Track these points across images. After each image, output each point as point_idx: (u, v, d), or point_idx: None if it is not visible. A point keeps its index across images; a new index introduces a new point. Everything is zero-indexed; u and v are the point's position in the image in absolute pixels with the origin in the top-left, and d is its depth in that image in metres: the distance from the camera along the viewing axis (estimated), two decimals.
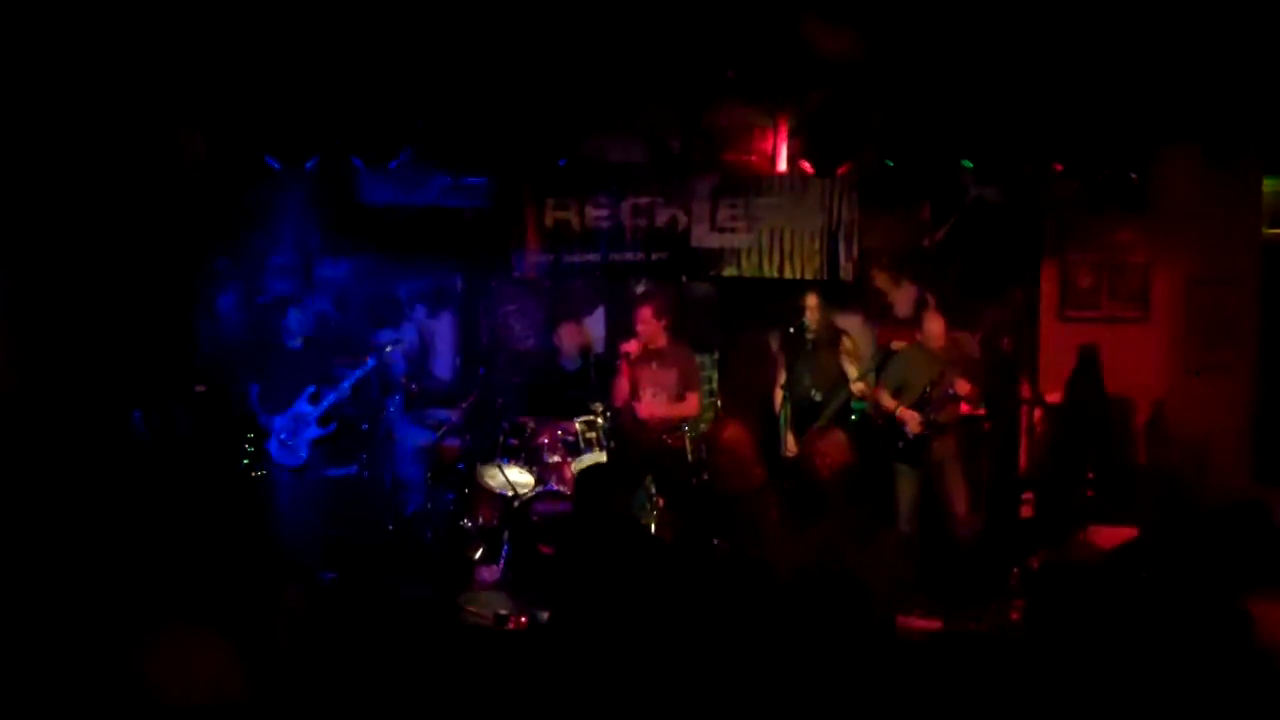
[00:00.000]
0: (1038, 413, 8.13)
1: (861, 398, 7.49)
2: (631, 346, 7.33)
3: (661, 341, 7.41)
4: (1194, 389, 8.06)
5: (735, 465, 6.12)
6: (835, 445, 6.26)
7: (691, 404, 7.42)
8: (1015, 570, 6.84)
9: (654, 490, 7.26)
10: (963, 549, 6.97)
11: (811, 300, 7.54)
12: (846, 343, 7.69)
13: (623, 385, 7.35)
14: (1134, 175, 7.78)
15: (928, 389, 7.01)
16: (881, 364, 7.59)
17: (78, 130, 7.26)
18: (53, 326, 7.71)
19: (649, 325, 7.33)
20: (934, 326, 7.20)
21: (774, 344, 8.31)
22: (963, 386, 7.07)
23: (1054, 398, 8.07)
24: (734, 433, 6.33)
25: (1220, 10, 6.69)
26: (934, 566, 6.85)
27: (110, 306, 7.80)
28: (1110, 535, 7.17)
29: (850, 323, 8.21)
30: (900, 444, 7.08)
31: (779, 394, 7.60)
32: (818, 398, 7.44)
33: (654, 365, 7.33)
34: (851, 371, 7.49)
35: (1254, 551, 3.93)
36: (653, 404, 7.27)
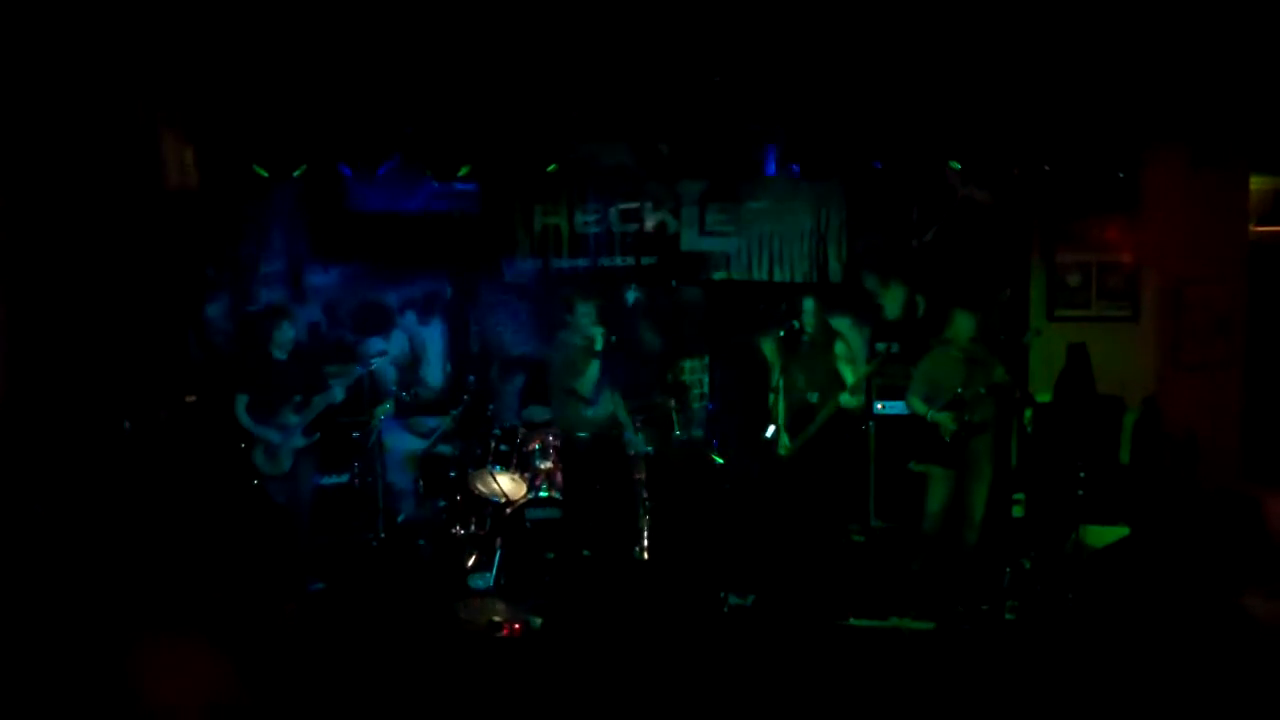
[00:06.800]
0: (1028, 412, 8.13)
1: (854, 395, 7.49)
2: None
3: None
4: (1184, 387, 8.08)
5: None
6: None
7: None
8: (1008, 570, 6.86)
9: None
10: (970, 551, 6.94)
11: (810, 303, 7.53)
12: (841, 346, 7.68)
13: None
14: (1122, 174, 7.81)
15: (960, 389, 6.91)
16: (879, 369, 7.59)
17: (66, 140, 7.24)
18: (43, 336, 7.68)
19: None
20: (963, 324, 7.08)
21: (764, 347, 8.30)
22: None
23: (1044, 397, 8.08)
24: None
25: (1206, 10, 6.71)
26: (930, 568, 6.87)
27: (100, 316, 7.77)
28: (1101, 534, 7.20)
29: (840, 324, 8.21)
30: (937, 446, 7.01)
31: (771, 396, 7.61)
32: (813, 399, 7.44)
33: None
34: (848, 376, 7.47)
35: (1245, 549, 3.95)
36: None
